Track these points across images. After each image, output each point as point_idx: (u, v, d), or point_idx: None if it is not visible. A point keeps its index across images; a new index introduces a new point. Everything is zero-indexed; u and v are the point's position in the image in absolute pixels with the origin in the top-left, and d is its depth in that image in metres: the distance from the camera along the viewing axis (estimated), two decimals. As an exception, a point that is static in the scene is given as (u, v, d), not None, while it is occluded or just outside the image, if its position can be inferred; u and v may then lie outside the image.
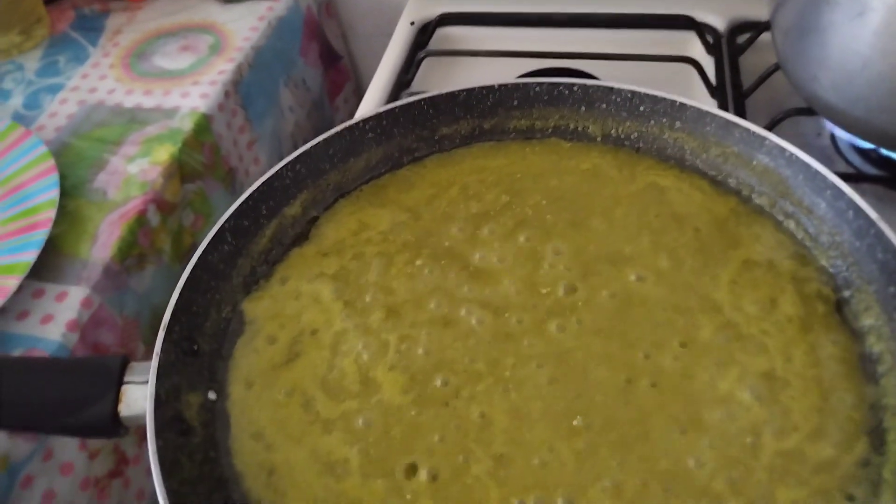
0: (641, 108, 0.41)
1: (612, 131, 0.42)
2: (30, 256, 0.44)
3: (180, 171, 0.52)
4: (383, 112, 0.42)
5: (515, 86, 0.42)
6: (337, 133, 0.41)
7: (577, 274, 0.36)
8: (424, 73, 0.58)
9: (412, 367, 0.33)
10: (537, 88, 0.42)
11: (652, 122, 0.41)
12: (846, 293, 0.33)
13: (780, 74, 0.49)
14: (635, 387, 0.31)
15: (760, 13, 0.55)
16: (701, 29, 0.56)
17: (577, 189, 0.40)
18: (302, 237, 0.40)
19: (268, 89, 0.63)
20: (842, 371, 0.31)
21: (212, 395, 0.33)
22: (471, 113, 0.43)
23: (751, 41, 0.55)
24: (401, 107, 0.42)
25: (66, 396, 0.30)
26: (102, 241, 0.47)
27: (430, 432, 0.31)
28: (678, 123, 0.40)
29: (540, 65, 0.55)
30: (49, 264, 0.45)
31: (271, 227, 0.39)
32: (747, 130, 0.38)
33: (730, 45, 0.55)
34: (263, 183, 0.38)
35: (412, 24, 0.63)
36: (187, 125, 0.54)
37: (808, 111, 0.46)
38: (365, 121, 0.42)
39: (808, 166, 0.35)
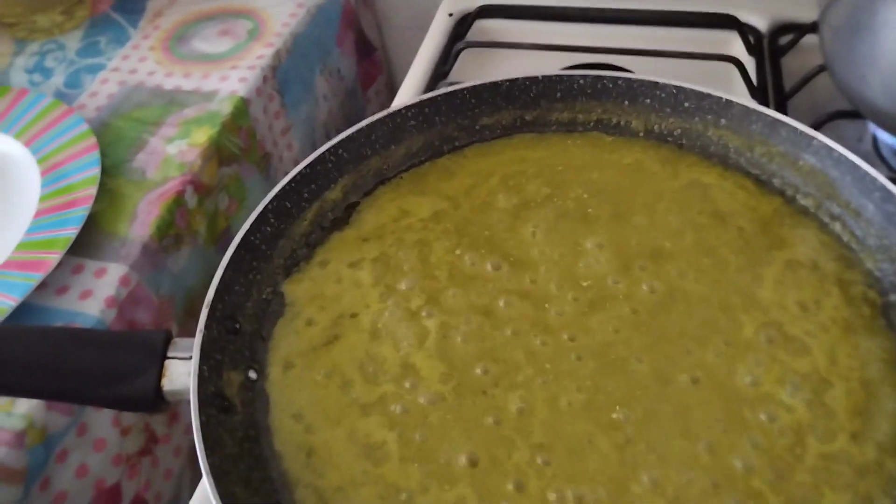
0: (686, 105, 0.41)
1: (655, 127, 0.42)
2: (70, 232, 0.44)
3: (218, 153, 0.53)
4: (426, 100, 0.42)
5: (559, 77, 0.42)
6: (379, 119, 0.41)
7: (618, 268, 0.36)
8: (462, 65, 0.57)
9: (451, 355, 0.33)
10: (581, 81, 0.42)
11: (696, 118, 0.41)
12: (893, 297, 0.33)
13: (823, 77, 0.48)
14: (676, 382, 0.31)
15: (804, 15, 0.54)
16: (743, 29, 0.55)
17: (618, 183, 0.40)
18: (342, 221, 0.40)
19: (304, 77, 0.64)
20: (888, 375, 0.31)
21: (252, 375, 0.33)
22: (513, 104, 0.43)
23: (793, 43, 0.54)
24: (443, 95, 0.42)
25: (110, 368, 0.31)
26: (141, 219, 0.47)
27: (468, 420, 0.31)
28: (723, 121, 0.40)
29: (579, 59, 0.55)
30: (89, 241, 0.46)
31: (312, 210, 0.39)
32: (794, 129, 0.37)
33: (772, 45, 0.55)
34: (307, 166, 0.39)
35: (450, 15, 0.63)
36: (226, 108, 0.54)
37: (852, 114, 0.45)
38: (407, 108, 0.42)
39: (856, 167, 0.35)
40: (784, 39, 0.55)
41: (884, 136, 0.47)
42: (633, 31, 0.57)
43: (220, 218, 0.54)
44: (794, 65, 0.52)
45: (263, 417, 0.32)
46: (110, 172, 0.50)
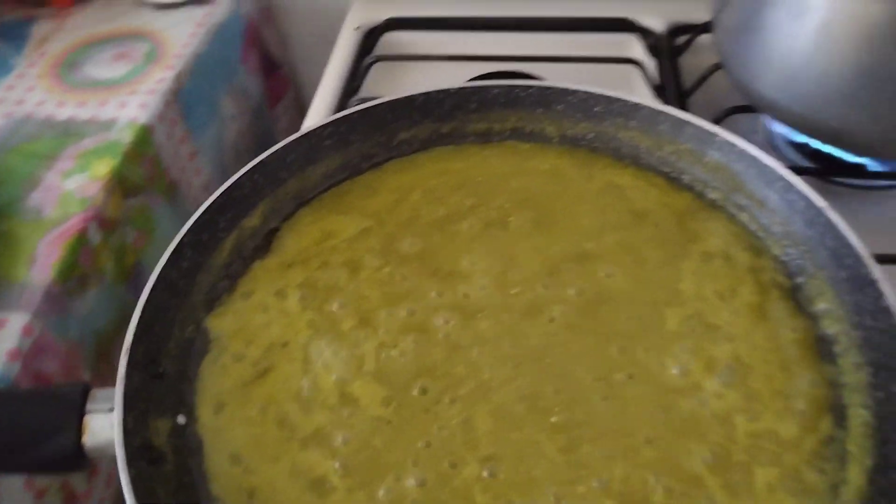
0: (596, 109, 0.42)
1: (569, 132, 0.43)
2: (-38, 282, 0.41)
3: (121, 185, 0.50)
4: (341, 118, 0.41)
5: (473, 89, 0.43)
6: (294, 140, 0.40)
7: (546, 273, 0.36)
8: (373, 78, 0.57)
9: (390, 377, 0.32)
10: (495, 91, 0.43)
11: (607, 122, 0.42)
12: (800, 280, 0.35)
13: (719, 74, 0.51)
14: (612, 381, 0.32)
15: (697, 16, 0.57)
16: (641, 31, 0.58)
17: (538, 190, 0.41)
18: (263, 249, 0.39)
19: (209, 98, 0.61)
20: (801, 354, 0.32)
21: (181, 420, 0.31)
22: (429, 117, 0.43)
23: (689, 43, 0.57)
24: (358, 112, 0.42)
25: (24, 430, 0.28)
26: (41, 262, 0.44)
27: (413, 440, 0.30)
28: (632, 122, 0.41)
29: (488, 68, 0.55)
30: (-15, 290, 0.42)
31: (231, 239, 0.38)
32: (699, 128, 0.39)
33: (669, 46, 0.57)
34: (221, 194, 0.37)
35: (357, 29, 0.63)
36: (127, 137, 0.52)
37: (748, 109, 0.48)
38: (322, 127, 0.41)
39: (758, 161, 0.37)
40: (680, 40, 0.58)
41: (777, 128, 0.50)
42: (539, 38, 0.59)
43: (127, 253, 0.51)
44: (692, 64, 0.55)
45: (197, 464, 0.30)
46: (2, 213, 0.47)
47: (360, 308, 0.35)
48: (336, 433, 0.31)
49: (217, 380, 0.33)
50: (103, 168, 0.49)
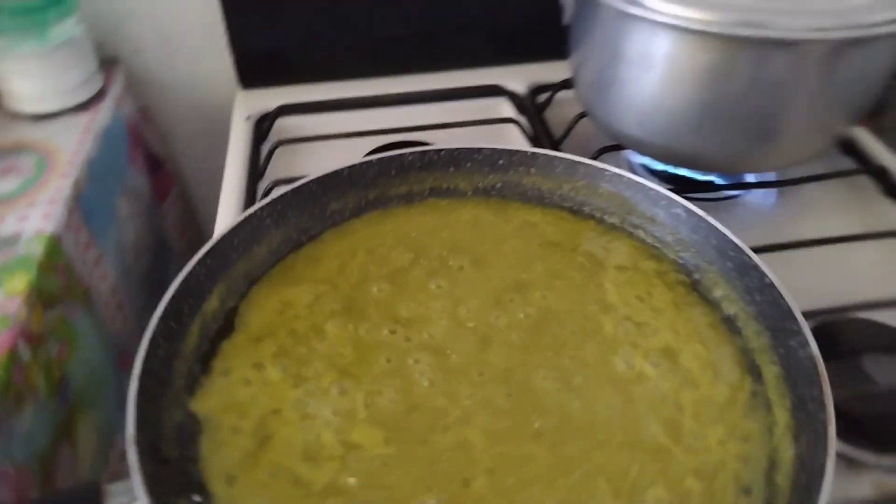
0: (500, 162, 0.48)
1: (480, 184, 0.49)
2: None
3: (40, 298, 0.49)
4: (277, 198, 0.44)
5: (391, 157, 0.47)
6: (238, 224, 0.42)
7: (492, 305, 0.41)
8: (275, 161, 0.60)
9: (383, 419, 0.35)
10: (410, 157, 0.48)
11: (511, 171, 0.48)
12: (696, 276, 0.43)
13: (584, 122, 0.60)
14: (573, 384, 0.37)
15: (552, 77, 0.66)
16: (509, 94, 0.66)
17: (466, 237, 0.46)
18: (227, 328, 0.40)
19: (105, 201, 0.61)
20: (714, 333, 0.40)
21: (197, 499, 0.32)
22: (355, 186, 0.47)
23: (549, 100, 0.66)
24: (292, 190, 0.45)
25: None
26: (-26, 386, 0.42)
27: (421, 469, 0.33)
28: (532, 169, 0.48)
29: (384, 140, 0.61)
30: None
31: (196, 324, 0.39)
32: (590, 166, 0.47)
33: (533, 104, 0.66)
34: (181, 282, 0.38)
35: (248, 118, 0.66)
36: (37, 249, 0.50)
37: (615, 147, 0.57)
38: (261, 209, 0.43)
39: (644, 186, 0.45)
40: (541, 98, 0.67)
41: (638, 160, 0.59)
42: (422, 110, 0.65)
43: (54, 367, 0.49)
44: (558, 115, 0.64)
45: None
46: (-90, 346, 0.44)
47: (338, 365, 0.38)
48: (349, 479, 0.33)
49: (221, 455, 0.34)
50: (19, 283, 0.48)
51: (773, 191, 0.57)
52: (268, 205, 0.44)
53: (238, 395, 0.36)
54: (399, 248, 0.45)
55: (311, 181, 0.46)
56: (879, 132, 0.63)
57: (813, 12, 0.43)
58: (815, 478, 0.30)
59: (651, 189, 0.45)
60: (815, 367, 0.34)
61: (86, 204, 0.57)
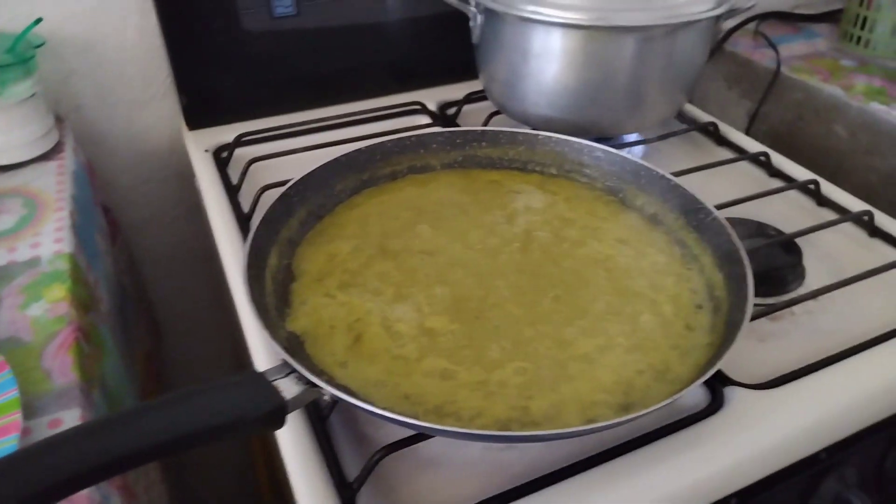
0: (458, 141, 0.62)
1: (445, 160, 0.62)
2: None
3: (80, 304, 0.53)
4: (297, 181, 0.54)
5: (376, 145, 0.59)
6: (274, 203, 0.51)
7: (487, 233, 0.54)
8: (248, 178, 0.68)
9: (442, 309, 0.46)
10: (389, 144, 0.60)
11: (467, 146, 0.62)
12: (621, 195, 0.59)
13: (495, 119, 0.75)
14: (566, 266, 0.51)
15: (456, 95, 0.82)
16: (426, 110, 0.81)
17: (449, 195, 0.58)
18: (289, 278, 0.49)
19: (90, 234, 0.66)
20: (646, 225, 0.56)
21: (325, 377, 0.41)
22: (351, 169, 0.58)
23: (458, 111, 0.81)
24: (306, 175, 0.55)
25: (240, 406, 0.35)
26: (58, 371, 0.46)
27: (483, 332, 0.45)
28: (483, 143, 0.62)
29: (343, 150, 0.71)
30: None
31: (268, 274, 0.48)
32: (527, 133, 0.62)
33: (443, 116, 0.81)
34: (251, 243, 0.47)
35: (206, 151, 0.74)
36: (62, 265, 0.55)
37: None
38: (289, 189, 0.53)
39: (570, 140, 0.60)
40: (450, 111, 0.82)
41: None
42: (360, 128, 0.77)
43: (95, 365, 0.54)
44: (467, 123, 0.79)
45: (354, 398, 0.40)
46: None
47: (392, 283, 0.48)
48: (436, 346, 0.43)
49: (328, 351, 0.43)
50: (58, 292, 0.52)
51: (639, 147, 0.75)
52: (292, 186, 0.54)
53: (323, 314, 0.46)
54: (401, 208, 0.56)
55: (319, 167, 0.56)
56: (693, 103, 0.86)
57: (655, 8, 0.62)
58: (741, 280, 0.46)
59: (575, 142, 0.60)
60: (719, 222, 0.50)
61: (80, 233, 0.62)
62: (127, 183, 0.83)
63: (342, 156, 0.57)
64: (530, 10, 0.63)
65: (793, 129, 0.95)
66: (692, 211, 0.53)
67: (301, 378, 0.38)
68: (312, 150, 0.70)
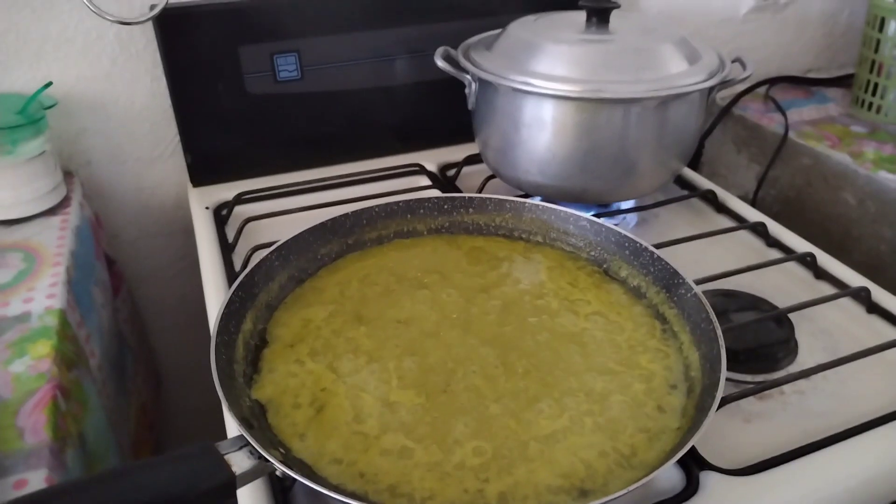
0: (445, 206, 0.63)
1: (432, 225, 0.62)
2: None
3: (64, 361, 0.54)
4: (280, 245, 0.55)
5: (362, 210, 0.60)
6: (254, 267, 0.52)
7: (466, 302, 0.54)
8: (244, 236, 0.70)
9: (409, 382, 0.46)
10: (377, 209, 0.61)
11: (454, 213, 0.63)
12: (605, 265, 0.58)
13: (491, 183, 0.76)
14: (540, 340, 0.50)
15: (456, 157, 0.83)
16: (426, 171, 0.82)
17: (432, 261, 0.59)
18: (262, 344, 0.49)
19: (86, 288, 0.67)
20: (627, 298, 0.55)
21: (282, 450, 0.40)
22: (337, 234, 0.59)
23: (457, 173, 0.82)
24: (291, 239, 0.56)
25: (184, 481, 0.35)
26: (31, 430, 0.47)
27: (448, 407, 0.44)
28: (471, 209, 0.63)
29: (339, 211, 0.72)
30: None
31: (240, 339, 0.48)
32: (514, 201, 0.62)
33: (444, 177, 0.82)
34: (224, 308, 0.47)
35: (207, 208, 0.75)
36: (51, 321, 0.56)
37: (524, 196, 0.73)
38: (270, 254, 0.54)
39: (556, 209, 0.60)
40: (450, 172, 0.83)
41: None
42: (360, 188, 0.78)
43: (77, 423, 0.54)
44: (465, 185, 0.80)
45: (311, 474, 0.40)
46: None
47: (364, 352, 0.48)
48: (398, 422, 0.43)
49: (289, 422, 0.43)
50: (43, 349, 0.54)
51: (633, 215, 0.75)
52: (275, 250, 0.54)
53: (288, 384, 0.46)
54: (383, 273, 0.57)
55: (304, 231, 0.57)
56: (696, 169, 0.85)
57: (647, 80, 0.63)
58: (716, 361, 0.45)
59: (562, 211, 0.60)
60: (698, 299, 0.49)
61: (75, 288, 0.64)
62: (134, 236, 0.85)
63: (328, 220, 0.58)
64: (520, 81, 0.63)
65: (801, 195, 0.93)
66: (674, 285, 0.53)
67: (254, 451, 0.38)
68: (309, 211, 0.71)
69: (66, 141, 0.78)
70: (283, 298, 0.54)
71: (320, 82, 0.79)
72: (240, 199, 0.75)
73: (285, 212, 0.71)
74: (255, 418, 0.43)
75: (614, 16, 0.69)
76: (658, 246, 0.66)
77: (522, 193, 0.73)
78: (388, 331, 0.50)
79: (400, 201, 0.62)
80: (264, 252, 0.54)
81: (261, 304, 0.52)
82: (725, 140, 1.04)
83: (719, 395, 0.41)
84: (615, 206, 0.74)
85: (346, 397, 0.45)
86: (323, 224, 0.58)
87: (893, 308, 0.61)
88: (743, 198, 0.84)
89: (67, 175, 0.78)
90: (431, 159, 0.85)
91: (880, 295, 0.62)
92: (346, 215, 0.59)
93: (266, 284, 0.53)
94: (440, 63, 0.68)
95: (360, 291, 0.55)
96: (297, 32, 0.77)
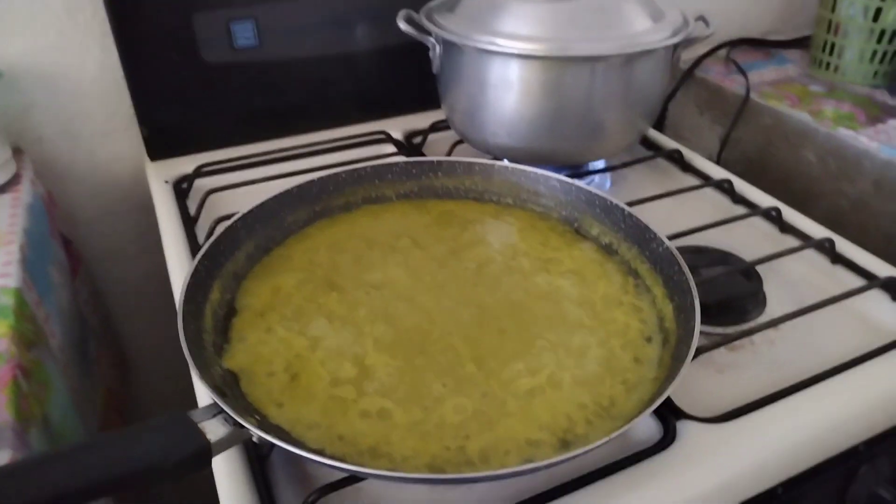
0: (413, 171, 0.61)
1: (401, 190, 0.61)
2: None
3: (22, 340, 0.52)
4: (246, 213, 0.53)
5: (329, 176, 0.59)
6: (220, 234, 0.51)
7: (438, 266, 0.53)
8: (206, 208, 0.68)
9: (384, 345, 0.45)
10: (344, 175, 0.59)
11: (422, 177, 0.62)
12: (576, 224, 0.58)
13: (462, 148, 0.75)
14: (515, 299, 0.50)
15: (421, 124, 0.82)
16: (392, 139, 0.80)
17: (402, 226, 0.58)
18: (232, 313, 0.48)
19: (43, 268, 0.65)
20: (600, 255, 0.55)
21: (257, 417, 0.39)
22: (304, 201, 0.57)
23: (423, 140, 0.81)
24: (256, 207, 0.54)
25: (159, 451, 0.34)
26: (-10, 410, 0.45)
27: (425, 368, 0.44)
28: (439, 173, 0.62)
29: (304, 180, 0.71)
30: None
31: (208, 309, 0.47)
32: (483, 163, 0.61)
33: (411, 144, 0.81)
34: (190, 277, 0.46)
35: (167, 182, 0.73)
36: (8, 300, 0.54)
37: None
38: (236, 221, 0.52)
39: (525, 170, 0.60)
40: (416, 140, 0.81)
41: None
42: (324, 158, 0.77)
43: (40, 403, 0.52)
44: (432, 152, 0.79)
45: (288, 440, 0.39)
46: None
47: (334, 318, 0.47)
48: (375, 385, 0.42)
49: (264, 391, 0.42)
50: (1, 328, 0.51)
51: (607, 174, 0.75)
52: (240, 218, 0.53)
53: (261, 352, 0.45)
54: (353, 240, 0.56)
55: (270, 199, 0.55)
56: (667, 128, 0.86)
57: (612, 37, 0.62)
58: (689, 311, 0.45)
59: (531, 171, 0.60)
60: (670, 252, 0.50)
61: (31, 267, 0.61)
62: (90, 215, 0.82)
63: (294, 187, 0.57)
64: (486, 41, 0.62)
65: (763, 155, 0.95)
66: (645, 241, 0.53)
67: (229, 419, 0.37)
68: (273, 181, 0.70)
69: (14, 117, 0.74)
70: (251, 268, 0.52)
71: (279, 49, 0.77)
72: (200, 171, 0.73)
73: (248, 182, 0.70)
74: (229, 387, 0.41)
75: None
76: (628, 205, 0.66)
77: (491, 157, 0.72)
78: (360, 296, 0.50)
79: (367, 166, 0.60)
80: (229, 222, 0.52)
81: (228, 274, 0.50)
82: (688, 103, 1.05)
83: (694, 343, 0.42)
84: (585, 168, 0.73)
85: (321, 363, 0.44)
86: (289, 191, 0.56)
87: (856, 258, 0.62)
88: (708, 159, 0.84)
89: (17, 152, 0.74)
90: (397, 127, 0.83)
91: (844, 246, 0.63)
92: (312, 181, 0.58)
93: (232, 254, 0.51)
94: (403, 26, 0.67)
95: (330, 258, 0.53)
96: (255, -2, 0.75)
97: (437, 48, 0.68)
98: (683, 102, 1.05)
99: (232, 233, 0.52)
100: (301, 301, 0.49)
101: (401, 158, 0.62)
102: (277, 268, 0.52)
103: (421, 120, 0.83)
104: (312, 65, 0.79)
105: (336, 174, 0.59)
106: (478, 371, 0.44)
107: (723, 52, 1.08)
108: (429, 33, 0.68)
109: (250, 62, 0.76)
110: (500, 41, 0.62)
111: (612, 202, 0.55)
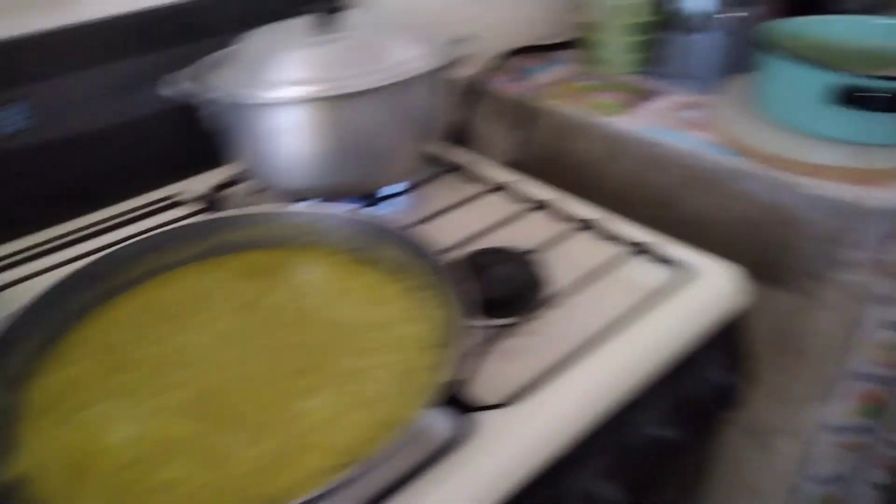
0: (191, 236, 0.61)
1: (185, 255, 0.61)
2: None
3: None
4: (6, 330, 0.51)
5: (111, 254, 0.58)
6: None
7: (233, 316, 0.54)
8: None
9: (186, 411, 0.46)
10: (123, 251, 0.59)
11: (210, 236, 0.61)
12: (367, 252, 0.61)
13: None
14: (309, 344, 0.52)
15: (222, 179, 0.82)
16: (188, 201, 0.80)
17: (194, 285, 0.59)
18: (15, 417, 0.47)
19: None
20: (390, 278, 0.58)
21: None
22: (80, 289, 0.56)
23: (224, 196, 0.81)
24: (13, 322, 0.50)
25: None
26: None
27: (225, 424, 0.45)
28: (224, 230, 0.62)
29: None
30: None
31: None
32: (263, 213, 0.62)
33: (210, 203, 0.80)
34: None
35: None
36: None
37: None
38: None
39: (304, 213, 0.62)
40: (220, 193, 0.81)
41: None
42: (116, 233, 0.74)
43: None
44: (237, 204, 0.79)
45: None
46: None
47: (132, 396, 0.47)
48: (174, 454, 0.43)
49: (53, 491, 0.41)
50: None
51: (405, 196, 0.79)
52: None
53: (46, 451, 0.44)
54: (141, 314, 0.56)
55: (28, 304, 0.51)
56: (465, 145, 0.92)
57: (376, 71, 0.66)
58: (466, 315, 0.49)
59: (309, 213, 0.62)
60: (444, 261, 0.54)
61: None
62: None
63: (55, 284, 0.54)
64: (256, 96, 0.65)
65: (554, 152, 1.03)
66: (425, 255, 0.56)
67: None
68: (64, 266, 0.68)
69: None
70: (31, 367, 0.51)
71: (55, 128, 0.75)
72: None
73: (41, 272, 0.67)
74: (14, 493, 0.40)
75: (343, 16, 0.71)
76: (424, 220, 0.71)
77: (296, 199, 0.73)
78: (153, 367, 0.50)
79: (153, 235, 0.60)
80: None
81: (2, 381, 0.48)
82: (485, 113, 1.12)
83: (460, 340, 0.46)
84: (383, 194, 0.77)
85: (115, 447, 0.44)
86: (49, 290, 0.53)
87: (621, 232, 0.70)
88: (510, 163, 0.90)
89: None
90: (202, 184, 0.82)
91: (614, 225, 0.71)
92: (98, 260, 0.57)
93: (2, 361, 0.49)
94: (168, 92, 0.68)
95: (119, 337, 0.53)
96: (26, 77, 0.72)
97: (212, 107, 0.69)
98: (482, 115, 1.13)
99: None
100: (91, 387, 0.48)
101: (187, 221, 0.62)
102: (62, 360, 0.51)
103: (220, 175, 0.83)
104: (95, 138, 0.78)
105: (115, 252, 0.58)
106: (277, 415, 0.45)
107: (505, 63, 1.16)
108: (198, 94, 0.69)
109: (24, 146, 0.73)
110: (270, 93, 0.65)
111: (388, 226, 0.59)
